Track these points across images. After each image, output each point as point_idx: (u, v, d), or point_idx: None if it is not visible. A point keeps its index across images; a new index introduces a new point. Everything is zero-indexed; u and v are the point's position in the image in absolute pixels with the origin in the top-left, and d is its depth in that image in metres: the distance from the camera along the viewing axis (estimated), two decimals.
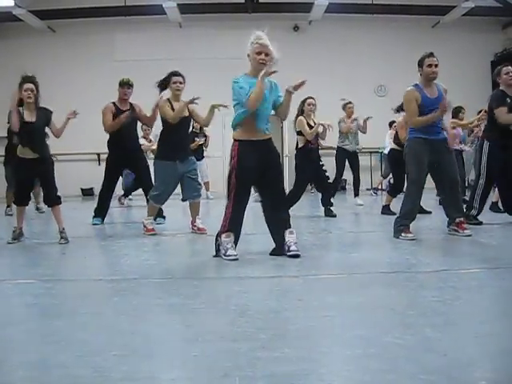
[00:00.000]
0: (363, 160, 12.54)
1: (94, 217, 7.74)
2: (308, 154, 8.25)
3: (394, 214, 7.08)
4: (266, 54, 4.89)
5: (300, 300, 3.49)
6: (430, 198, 8.22)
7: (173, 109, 6.45)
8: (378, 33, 15.60)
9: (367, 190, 14.76)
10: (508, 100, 6.51)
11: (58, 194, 6.31)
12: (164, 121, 6.56)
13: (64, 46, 15.41)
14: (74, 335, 2.84)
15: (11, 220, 8.57)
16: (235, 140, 4.95)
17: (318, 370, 2.35)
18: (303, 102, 8.39)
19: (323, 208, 8.41)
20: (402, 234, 5.82)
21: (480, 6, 14.39)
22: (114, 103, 7.60)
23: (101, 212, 7.78)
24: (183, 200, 6.95)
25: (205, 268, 4.74)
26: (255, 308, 3.29)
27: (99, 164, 15.24)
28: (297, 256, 4.80)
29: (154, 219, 7.07)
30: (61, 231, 6.12)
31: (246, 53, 5.02)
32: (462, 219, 5.90)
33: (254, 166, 4.86)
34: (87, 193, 15.63)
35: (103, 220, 7.79)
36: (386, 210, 8.33)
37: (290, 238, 4.94)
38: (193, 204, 6.73)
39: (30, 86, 5.98)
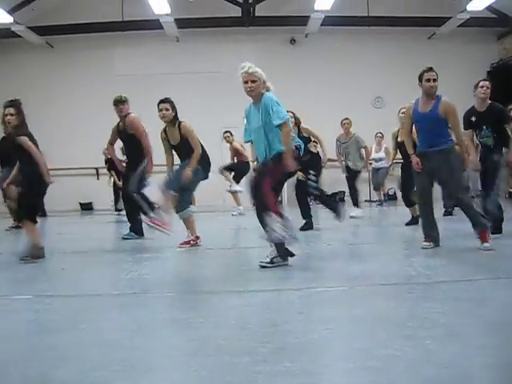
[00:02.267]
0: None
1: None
2: None
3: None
4: (253, 81, 5.06)
5: (300, 313, 3.49)
6: None
7: (166, 135, 6.62)
8: (375, 45, 15.67)
9: (365, 201, 14.77)
10: (472, 118, 6.60)
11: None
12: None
13: (62, 62, 15.48)
14: (74, 350, 2.83)
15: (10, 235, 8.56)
16: None
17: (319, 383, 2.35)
18: None
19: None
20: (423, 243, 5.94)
21: (475, 16, 14.47)
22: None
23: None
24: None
25: (205, 282, 4.73)
26: (255, 321, 3.28)
27: (98, 178, 15.29)
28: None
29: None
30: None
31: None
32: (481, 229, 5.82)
33: None
34: (86, 207, 15.64)
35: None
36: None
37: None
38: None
39: (11, 110, 5.96)
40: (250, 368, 2.49)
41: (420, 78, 5.86)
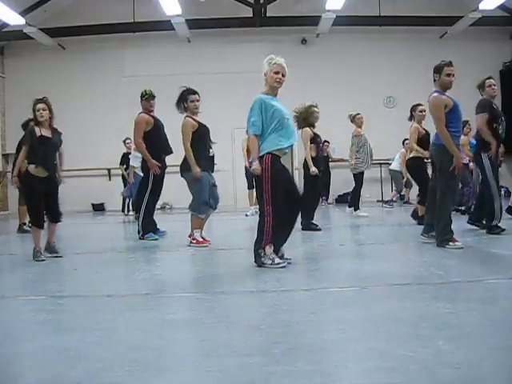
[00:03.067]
0: (373, 172, 12.54)
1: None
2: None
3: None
4: (283, 75, 5.13)
5: (312, 313, 3.49)
6: None
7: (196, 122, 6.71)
8: (386, 44, 15.63)
9: (378, 201, 14.72)
10: (494, 106, 6.67)
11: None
12: (192, 137, 6.70)
13: (74, 63, 15.58)
14: (87, 351, 2.85)
15: (23, 237, 8.62)
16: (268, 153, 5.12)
17: None
18: (310, 112, 8.15)
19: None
20: (450, 243, 5.79)
21: (487, 16, 14.38)
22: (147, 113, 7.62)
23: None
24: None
25: (217, 282, 4.74)
26: (268, 322, 3.28)
27: (110, 179, 15.36)
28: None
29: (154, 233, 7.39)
30: (53, 243, 6.30)
31: (263, 72, 5.17)
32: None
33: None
34: (98, 208, 15.70)
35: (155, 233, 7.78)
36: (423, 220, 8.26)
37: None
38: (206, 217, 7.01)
39: (42, 105, 6.13)
40: (262, 368, 2.49)
41: (438, 71, 5.75)
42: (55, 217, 6.28)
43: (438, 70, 5.78)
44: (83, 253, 6.27)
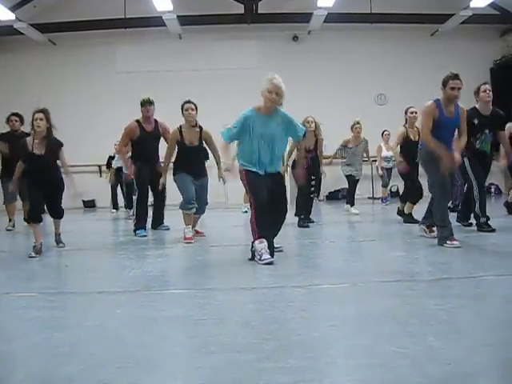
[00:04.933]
0: (364, 169, 12.50)
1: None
2: None
3: (417, 221, 7.24)
4: (277, 94, 5.17)
5: (303, 310, 3.49)
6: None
7: (181, 135, 6.95)
8: (378, 42, 15.66)
9: (368, 198, 14.75)
10: (475, 121, 6.66)
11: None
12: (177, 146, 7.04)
13: (65, 59, 15.49)
14: (78, 348, 2.84)
15: (11, 234, 8.60)
16: None
17: (322, 381, 2.35)
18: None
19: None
20: (448, 242, 5.73)
21: (478, 13, 14.45)
22: (137, 121, 7.79)
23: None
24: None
25: (208, 279, 4.74)
26: (258, 319, 3.29)
27: (100, 176, 15.29)
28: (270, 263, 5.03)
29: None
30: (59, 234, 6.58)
31: (261, 90, 5.26)
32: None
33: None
34: (89, 205, 15.64)
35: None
36: (409, 218, 8.31)
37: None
38: (197, 217, 7.24)
39: (40, 115, 6.09)
40: (253, 365, 2.50)
41: (444, 84, 5.80)
42: (53, 215, 6.52)
43: (444, 83, 5.84)
44: (74, 249, 6.25)
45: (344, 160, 10.48)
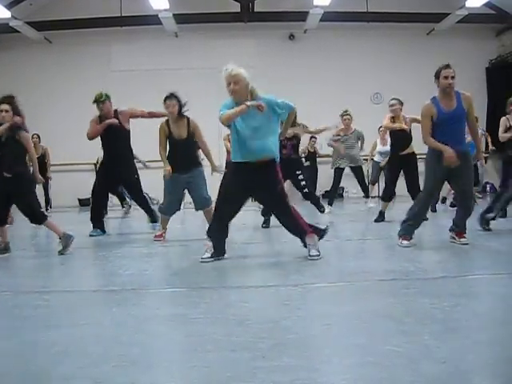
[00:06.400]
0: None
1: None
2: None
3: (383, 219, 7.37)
4: (235, 83, 5.00)
5: (299, 309, 3.50)
6: None
7: (169, 129, 6.72)
8: (374, 41, 15.67)
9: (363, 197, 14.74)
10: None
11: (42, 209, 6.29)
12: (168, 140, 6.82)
13: (60, 57, 15.44)
14: (74, 347, 2.84)
15: None
16: None
17: (318, 379, 2.36)
18: None
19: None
20: (399, 241, 5.83)
21: (474, 13, 14.46)
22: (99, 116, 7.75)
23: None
24: (196, 209, 7.09)
25: (203, 278, 4.73)
26: (254, 317, 3.29)
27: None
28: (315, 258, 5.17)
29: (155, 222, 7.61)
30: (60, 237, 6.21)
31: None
32: (460, 230, 5.87)
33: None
34: (84, 203, 15.59)
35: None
36: (380, 215, 8.42)
37: (309, 241, 5.34)
38: (204, 212, 7.00)
39: (4, 106, 5.90)
40: (249, 363, 2.50)
41: (437, 75, 5.68)
42: (30, 220, 6.15)
43: (436, 74, 5.73)
44: (70, 248, 6.22)
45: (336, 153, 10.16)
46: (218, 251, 5.33)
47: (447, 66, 5.68)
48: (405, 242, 5.79)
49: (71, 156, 14.66)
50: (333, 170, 10.21)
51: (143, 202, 7.83)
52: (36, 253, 6.23)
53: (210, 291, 4.17)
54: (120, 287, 4.33)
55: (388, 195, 8.50)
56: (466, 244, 5.70)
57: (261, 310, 3.48)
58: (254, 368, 2.44)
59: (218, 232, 5.36)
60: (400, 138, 8.19)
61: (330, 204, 10.17)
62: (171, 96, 6.73)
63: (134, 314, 3.50)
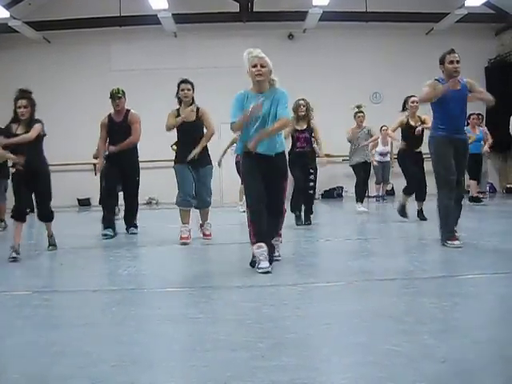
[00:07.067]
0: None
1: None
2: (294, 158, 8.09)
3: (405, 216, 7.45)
4: (262, 66, 4.82)
5: (298, 308, 3.50)
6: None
7: (179, 114, 6.71)
8: (373, 40, 15.66)
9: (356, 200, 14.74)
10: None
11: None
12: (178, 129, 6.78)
13: (59, 57, 15.43)
14: (73, 346, 2.84)
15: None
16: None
17: (317, 379, 2.35)
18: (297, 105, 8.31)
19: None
20: (448, 242, 5.59)
21: (473, 12, 14.47)
22: (109, 114, 7.63)
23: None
24: (196, 208, 7.01)
25: (203, 278, 4.73)
26: (253, 317, 3.29)
27: (95, 174, 15.22)
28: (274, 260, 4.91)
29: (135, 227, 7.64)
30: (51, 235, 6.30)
31: (246, 71, 4.92)
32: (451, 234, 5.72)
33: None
34: (84, 203, 15.61)
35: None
36: (401, 209, 8.27)
37: (276, 242, 5.09)
38: (201, 211, 7.02)
39: (24, 101, 5.91)
40: (248, 363, 2.50)
41: (442, 61, 5.64)
42: (41, 216, 6.22)
43: (441, 60, 5.65)
44: (69, 248, 6.23)
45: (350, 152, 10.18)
46: (271, 253, 4.86)
47: (452, 51, 5.63)
48: (456, 243, 5.56)
49: (70, 156, 14.64)
50: (351, 168, 10.24)
51: (134, 205, 7.87)
52: (36, 253, 6.21)
53: (210, 291, 4.17)
54: (119, 287, 4.34)
55: (411, 191, 8.28)
56: (460, 247, 5.55)
57: (260, 310, 3.48)
58: (253, 367, 2.44)
59: (265, 231, 4.83)
60: (413, 137, 8.13)
61: (361, 201, 10.07)
62: (186, 81, 6.80)
63: (133, 313, 3.50)
